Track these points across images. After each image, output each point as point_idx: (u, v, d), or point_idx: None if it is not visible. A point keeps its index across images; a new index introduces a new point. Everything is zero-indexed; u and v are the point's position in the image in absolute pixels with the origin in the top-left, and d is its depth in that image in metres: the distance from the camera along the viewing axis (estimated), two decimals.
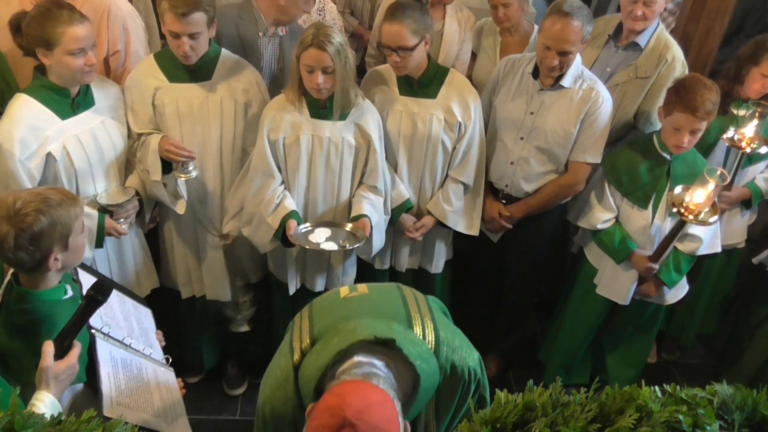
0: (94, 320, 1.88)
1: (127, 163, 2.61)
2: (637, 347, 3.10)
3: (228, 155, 2.66)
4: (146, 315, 2.26)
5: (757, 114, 2.69)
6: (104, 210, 2.47)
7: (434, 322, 1.65)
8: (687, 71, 2.90)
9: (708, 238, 2.74)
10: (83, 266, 2.09)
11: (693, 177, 2.55)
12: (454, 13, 3.34)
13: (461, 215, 2.84)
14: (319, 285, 2.83)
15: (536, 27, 3.09)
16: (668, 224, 2.70)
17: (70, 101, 2.36)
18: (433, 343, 1.60)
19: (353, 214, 2.63)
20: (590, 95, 2.66)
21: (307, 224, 2.60)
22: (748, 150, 2.70)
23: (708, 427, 1.33)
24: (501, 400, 1.38)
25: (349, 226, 2.59)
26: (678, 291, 2.89)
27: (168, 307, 2.92)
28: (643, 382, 1.46)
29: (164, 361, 2.12)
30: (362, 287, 1.77)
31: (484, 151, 2.82)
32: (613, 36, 2.96)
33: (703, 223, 2.47)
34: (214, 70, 2.57)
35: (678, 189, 2.53)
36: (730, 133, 2.74)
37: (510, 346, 3.34)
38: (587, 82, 2.69)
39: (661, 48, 2.87)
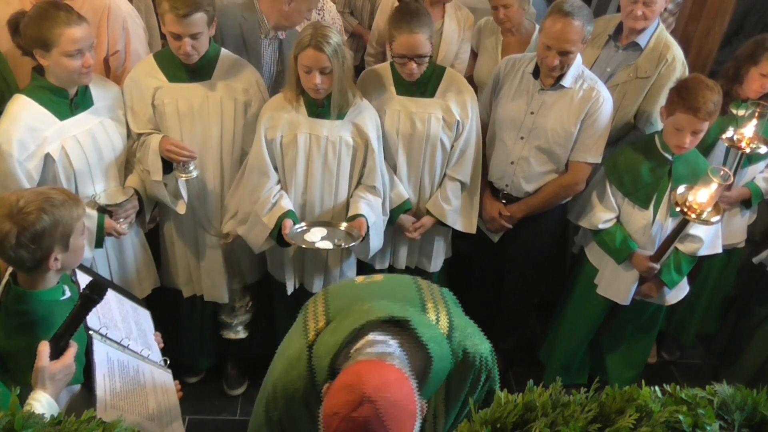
0: (92, 321, 1.88)
1: (127, 163, 2.60)
2: (637, 347, 3.10)
3: (228, 155, 2.66)
4: (145, 316, 2.26)
5: (756, 114, 2.68)
6: (103, 210, 2.46)
7: (448, 308, 1.66)
8: (687, 71, 2.90)
9: (709, 238, 2.74)
10: (82, 267, 2.09)
11: (694, 177, 2.55)
12: (453, 12, 3.34)
13: (460, 214, 2.84)
14: (317, 286, 2.82)
15: (537, 27, 3.09)
16: (669, 224, 2.70)
17: (68, 102, 2.35)
18: (447, 328, 1.61)
19: (350, 213, 2.62)
20: (591, 95, 2.66)
21: (303, 224, 2.60)
22: (748, 150, 2.70)
23: (708, 427, 1.33)
24: (501, 400, 1.38)
25: (344, 226, 2.59)
26: (678, 292, 2.89)
27: (168, 306, 2.92)
28: (643, 382, 1.46)
29: (162, 363, 2.11)
30: (377, 276, 1.82)
31: (481, 149, 2.81)
32: (614, 36, 2.97)
33: (706, 222, 2.47)
34: (213, 70, 2.57)
35: (681, 188, 2.52)
36: (730, 133, 2.74)
37: (510, 346, 3.33)
38: (588, 82, 2.69)
39: (661, 48, 2.87)
